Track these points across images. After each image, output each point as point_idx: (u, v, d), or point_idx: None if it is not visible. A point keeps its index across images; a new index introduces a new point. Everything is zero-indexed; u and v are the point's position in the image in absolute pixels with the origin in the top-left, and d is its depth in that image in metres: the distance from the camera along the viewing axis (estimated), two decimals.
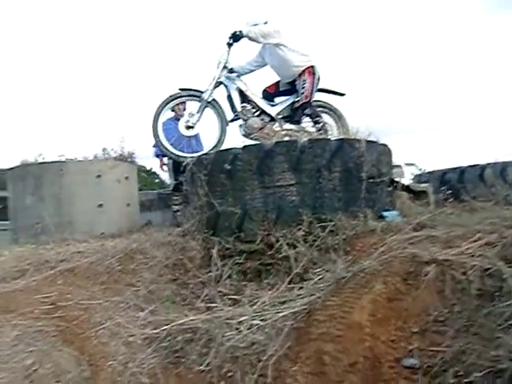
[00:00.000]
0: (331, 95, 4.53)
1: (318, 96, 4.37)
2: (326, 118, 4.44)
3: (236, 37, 4.08)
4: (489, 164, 4.93)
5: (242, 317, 2.17)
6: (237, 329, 2.10)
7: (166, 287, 2.76)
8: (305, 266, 2.50)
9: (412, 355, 1.68)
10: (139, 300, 2.61)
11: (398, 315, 1.84)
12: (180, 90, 4.20)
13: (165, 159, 5.30)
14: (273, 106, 4.34)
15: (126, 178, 4.74)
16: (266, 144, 2.94)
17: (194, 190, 3.15)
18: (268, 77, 4.44)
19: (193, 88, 4.19)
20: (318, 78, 4.23)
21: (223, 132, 4.17)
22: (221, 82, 4.21)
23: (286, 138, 3.39)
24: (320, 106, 4.44)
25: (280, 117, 4.29)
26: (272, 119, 4.26)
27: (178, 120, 4.39)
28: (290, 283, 2.45)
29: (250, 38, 4.10)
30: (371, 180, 2.91)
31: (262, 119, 4.22)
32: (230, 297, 2.52)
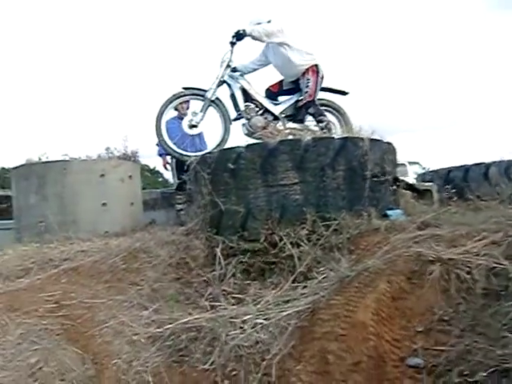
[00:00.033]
0: (335, 94, 4.52)
1: (321, 95, 4.36)
2: (329, 116, 4.42)
3: (239, 36, 4.07)
4: (493, 162, 4.91)
5: (245, 316, 2.17)
6: (241, 328, 2.10)
7: (170, 286, 2.76)
8: (309, 264, 2.49)
9: (416, 354, 1.67)
10: (143, 299, 2.61)
11: (403, 314, 1.84)
12: (183, 88, 4.20)
13: (168, 158, 5.31)
14: (276, 104, 4.33)
15: (130, 176, 4.75)
16: (269, 143, 2.93)
17: (198, 188, 3.15)
18: (271, 76, 4.44)
19: (196, 87, 4.18)
20: (322, 77, 4.22)
21: (227, 131, 4.17)
22: (224, 81, 4.21)
23: (290, 137, 3.39)
24: (323, 105, 4.42)
25: (283, 115, 4.28)
26: (275, 118, 4.26)
27: (182, 119, 4.39)
28: (293, 282, 2.44)
29: (254, 37, 4.09)
30: (375, 178, 2.90)
31: (266, 118, 4.21)
32: (233, 296, 2.52)
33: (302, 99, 4.20)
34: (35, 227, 4.17)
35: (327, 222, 2.66)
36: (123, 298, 2.63)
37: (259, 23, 4.12)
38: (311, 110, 4.20)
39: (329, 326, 1.87)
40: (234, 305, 2.39)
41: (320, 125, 4.11)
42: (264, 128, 4.08)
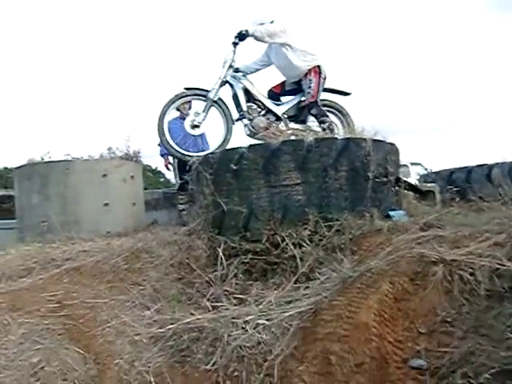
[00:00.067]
0: (337, 95, 4.51)
1: (323, 95, 4.35)
2: (331, 117, 4.41)
3: (242, 36, 4.07)
4: (496, 164, 4.90)
5: (247, 316, 2.16)
6: (243, 328, 2.10)
7: (172, 286, 2.76)
8: (311, 265, 2.49)
9: (419, 356, 1.67)
10: (145, 299, 2.61)
11: (406, 315, 1.83)
12: (186, 89, 4.19)
13: (170, 158, 5.31)
14: (279, 105, 4.32)
15: (132, 177, 4.76)
16: (272, 143, 2.93)
17: (200, 189, 3.15)
18: (274, 76, 4.44)
19: (198, 87, 4.18)
20: (324, 78, 4.21)
21: (229, 131, 4.17)
22: (226, 81, 4.20)
23: (292, 138, 3.39)
24: (326, 106, 4.41)
25: (286, 116, 4.28)
26: (278, 118, 4.25)
27: (184, 119, 4.39)
28: (296, 283, 2.44)
29: (256, 38, 4.09)
30: (378, 179, 2.90)
31: (268, 118, 4.21)
32: (235, 296, 2.52)
33: (304, 100, 4.20)
34: (37, 227, 4.18)
35: (329, 223, 2.66)
36: (125, 297, 2.63)
37: (262, 23, 4.12)
38: (314, 111, 4.19)
39: (331, 326, 1.87)
40: (235, 305, 2.39)
41: (322, 125, 4.10)
42: (266, 128, 4.07)
